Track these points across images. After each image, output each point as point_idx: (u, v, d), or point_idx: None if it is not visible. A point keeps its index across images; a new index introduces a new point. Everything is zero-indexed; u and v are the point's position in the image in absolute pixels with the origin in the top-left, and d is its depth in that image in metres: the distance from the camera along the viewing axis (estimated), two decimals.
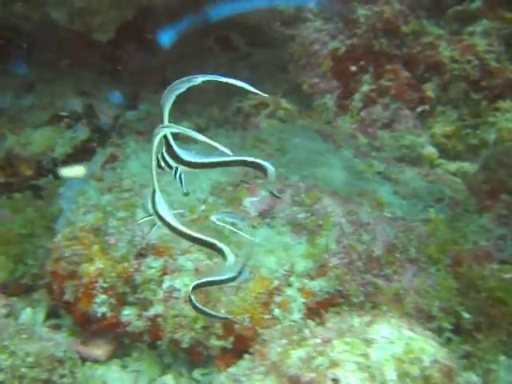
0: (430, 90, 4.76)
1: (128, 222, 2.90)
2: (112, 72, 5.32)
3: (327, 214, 2.92)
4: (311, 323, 2.35)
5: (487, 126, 4.54)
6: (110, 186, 3.22)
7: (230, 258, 1.57)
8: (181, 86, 1.46)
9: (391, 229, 2.88)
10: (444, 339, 2.40)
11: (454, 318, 2.50)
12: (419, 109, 4.69)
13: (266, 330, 2.48)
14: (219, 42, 5.52)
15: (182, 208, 3.05)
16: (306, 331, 2.19)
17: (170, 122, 1.47)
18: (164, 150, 1.59)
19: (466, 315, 2.48)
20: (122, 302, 2.77)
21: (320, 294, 2.63)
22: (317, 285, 2.66)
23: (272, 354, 2.15)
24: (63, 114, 4.26)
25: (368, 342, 1.96)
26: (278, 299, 2.62)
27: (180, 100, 1.48)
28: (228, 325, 2.60)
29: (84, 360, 2.84)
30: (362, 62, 4.86)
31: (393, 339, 1.94)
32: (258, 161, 1.50)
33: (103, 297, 2.78)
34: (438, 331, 2.41)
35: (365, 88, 4.83)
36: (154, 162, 1.52)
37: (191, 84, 1.45)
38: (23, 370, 2.40)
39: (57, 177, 3.76)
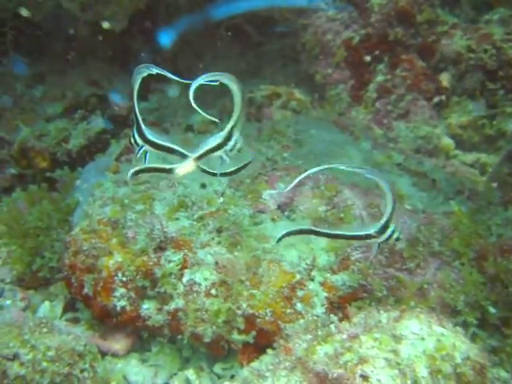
0: (445, 80, 4.69)
1: (146, 215, 2.87)
2: (123, 62, 5.27)
3: (348, 207, 2.88)
4: (334, 318, 2.31)
5: (504, 116, 4.48)
6: (126, 178, 3.18)
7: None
8: (144, 70, 1.83)
9: (413, 222, 2.83)
10: (469, 334, 2.36)
11: (479, 312, 2.46)
12: (435, 99, 4.62)
13: (288, 325, 2.46)
14: (231, 31, 5.44)
15: (200, 201, 3.01)
16: (332, 326, 2.15)
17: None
18: (134, 128, 1.93)
19: (492, 310, 2.44)
20: (142, 295, 2.75)
21: (343, 289, 2.60)
22: (339, 279, 2.62)
23: (297, 349, 2.11)
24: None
25: (397, 338, 1.92)
26: (300, 293, 2.58)
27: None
28: (250, 319, 2.57)
29: (103, 354, 2.83)
30: (376, 52, 4.78)
31: (423, 335, 1.90)
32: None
33: (122, 290, 2.75)
34: (463, 326, 2.37)
35: (379, 78, 4.76)
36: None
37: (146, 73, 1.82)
38: (44, 364, 2.38)
39: (72, 169, 3.73)
